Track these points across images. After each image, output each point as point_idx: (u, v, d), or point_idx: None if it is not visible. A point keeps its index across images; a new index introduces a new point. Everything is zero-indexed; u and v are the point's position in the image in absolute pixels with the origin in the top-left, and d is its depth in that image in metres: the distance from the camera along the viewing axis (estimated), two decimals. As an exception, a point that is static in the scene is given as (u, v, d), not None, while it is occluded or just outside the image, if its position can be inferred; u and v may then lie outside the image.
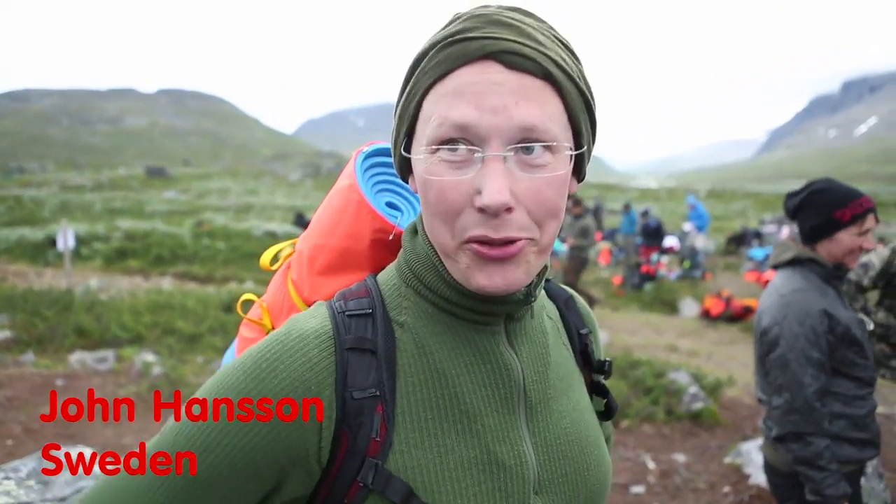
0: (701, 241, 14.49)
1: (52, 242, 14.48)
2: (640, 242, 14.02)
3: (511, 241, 0.69)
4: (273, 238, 17.52)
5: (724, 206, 37.61)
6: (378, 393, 0.73)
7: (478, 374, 0.77)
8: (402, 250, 0.84)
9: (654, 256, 14.10)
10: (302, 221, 18.92)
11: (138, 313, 7.89)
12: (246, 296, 1.10)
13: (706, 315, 9.91)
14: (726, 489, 3.93)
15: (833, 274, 2.16)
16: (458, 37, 0.69)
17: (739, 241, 17.99)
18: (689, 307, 10.88)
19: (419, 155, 0.71)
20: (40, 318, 7.45)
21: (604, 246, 17.42)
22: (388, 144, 1.03)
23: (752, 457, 4.17)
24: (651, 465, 4.24)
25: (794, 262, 2.21)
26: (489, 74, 0.67)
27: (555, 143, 0.68)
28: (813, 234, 2.17)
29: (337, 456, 0.72)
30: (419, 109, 0.72)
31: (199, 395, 0.73)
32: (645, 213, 15.86)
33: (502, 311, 0.77)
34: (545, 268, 0.80)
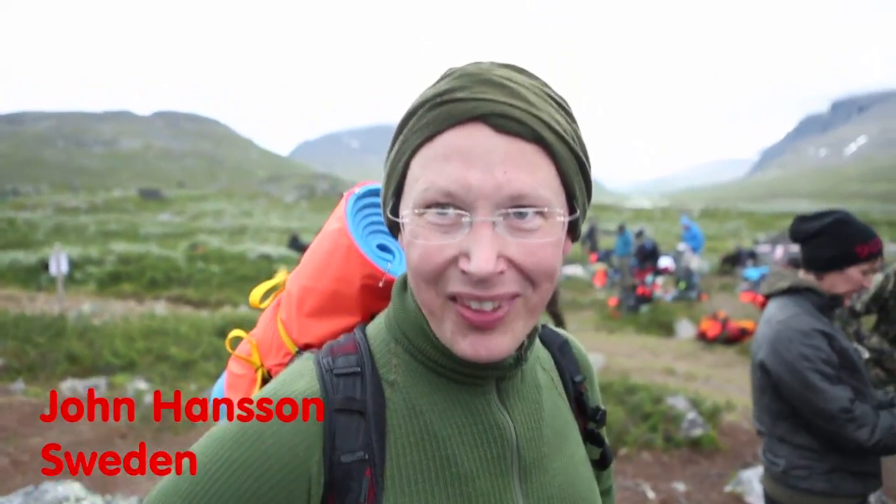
0: (696, 262, 14.52)
1: (44, 266, 14.39)
2: (634, 264, 14.03)
3: (498, 305, 0.67)
4: (268, 261, 17.47)
5: (717, 225, 37.79)
6: (367, 456, 0.71)
7: (469, 436, 0.75)
8: (391, 305, 0.82)
9: (650, 278, 14.11)
10: (297, 244, 18.89)
11: (131, 339, 7.81)
12: (235, 332, 1.08)
13: (703, 337, 9.88)
14: (727, 519, 3.87)
15: (828, 304, 2.14)
16: (446, 97, 0.67)
17: (734, 261, 18.04)
18: (686, 329, 10.85)
19: (406, 216, 0.69)
20: (31, 345, 7.37)
21: (599, 268, 17.43)
22: (378, 185, 1.01)
23: (753, 485, 4.12)
24: (651, 494, 4.18)
25: (789, 291, 2.18)
26: (477, 138, 0.65)
27: (546, 209, 0.66)
28: (826, 264, 2.12)
29: None
30: (407, 169, 0.71)
31: (185, 463, 0.71)
32: (640, 234, 15.90)
33: (492, 374, 0.76)
34: (535, 329, 0.78)
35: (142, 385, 6.13)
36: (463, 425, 0.75)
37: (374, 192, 1.01)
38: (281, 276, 1.09)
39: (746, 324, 9.91)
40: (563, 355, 0.94)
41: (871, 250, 2.07)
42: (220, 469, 0.68)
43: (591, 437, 0.92)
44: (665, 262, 16.41)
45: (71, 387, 6.12)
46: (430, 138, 0.67)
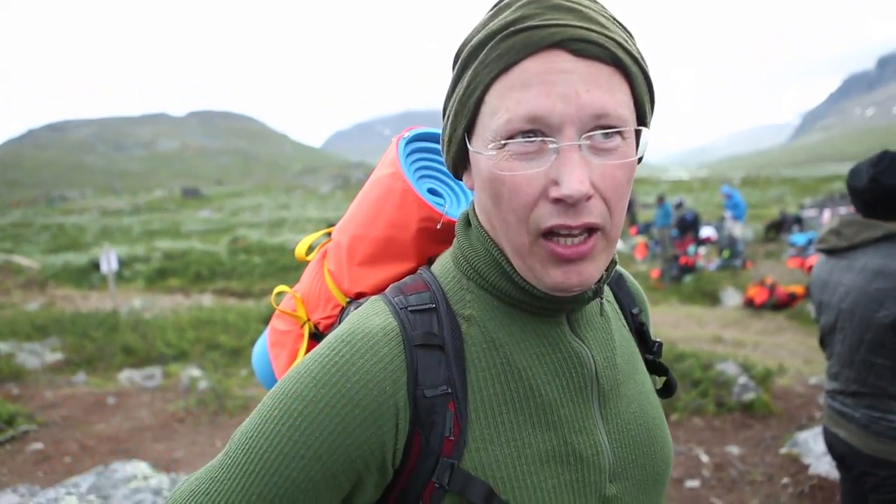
0: (739, 230, 14.16)
1: (95, 266, 14.91)
2: (675, 235, 13.76)
3: (587, 234, 0.67)
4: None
5: (760, 193, 36.76)
6: (449, 390, 0.71)
7: (550, 364, 0.75)
8: (456, 242, 0.81)
9: (692, 248, 13.83)
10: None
11: (181, 330, 8.05)
12: (279, 288, 1.08)
13: (750, 304, 9.66)
14: (785, 480, 3.81)
15: None
16: (519, 26, 0.66)
17: (779, 227, 17.54)
18: (732, 297, 10.63)
19: (486, 151, 0.68)
20: (89, 340, 7.67)
21: (639, 240, 17.18)
22: (427, 129, 1.00)
23: (811, 446, 4.04)
24: (704, 458, 4.13)
25: (885, 239, 1.99)
26: (557, 63, 0.64)
27: (626, 129, 0.67)
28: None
29: (410, 457, 0.70)
30: (481, 103, 0.70)
31: (265, 406, 0.70)
32: (679, 205, 15.59)
33: (567, 307, 0.76)
34: (613, 261, 0.78)
35: (195, 372, 6.32)
36: (542, 355, 0.75)
37: (422, 137, 1.00)
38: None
39: (795, 288, 9.65)
40: (620, 288, 0.95)
41: None
42: (305, 409, 0.67)
43: (654, 367, 0.92)
44: (707, 231, 16.06)
45: (129, 377, 6.36)
46: (506, 69, 0.66)
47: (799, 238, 14.44)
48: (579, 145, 0.64)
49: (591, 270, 0.69)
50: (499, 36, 0.66)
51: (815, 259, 10.50)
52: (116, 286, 12.09)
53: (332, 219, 26.19)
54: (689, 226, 14.10)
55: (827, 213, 14.33)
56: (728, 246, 13.89)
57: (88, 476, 3.09)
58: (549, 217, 0.66)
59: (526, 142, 0.65)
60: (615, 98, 0.66)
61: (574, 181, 0.63)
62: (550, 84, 0.64)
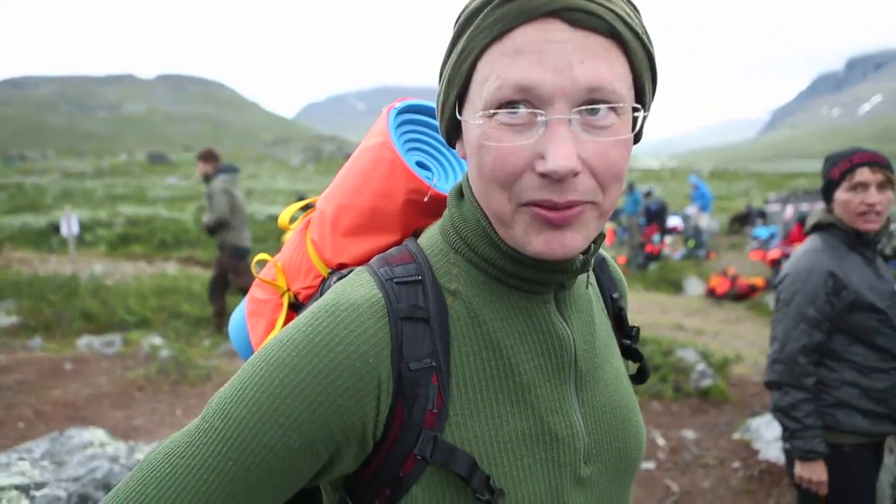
0: (705, 221, 14.44)
1: (55, 229, 14.48)
2: (643, 223, 13.96)
3: (573, 205, 0.65)
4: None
5: (727, 185, 37.48)
6: (433, 363, 0.70)
7: (531, 344, 0.75)
8: (446, 214, 0.80)
9: (657, 236, 14.06)
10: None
11: (144, 297, 7.90)
12: (259, 256, 1.06)
13: (712, 294, 9.89)
14: (736, 464, 3.94)
15: (857, 240, 2.14)
16: None
17: (744, 220, 17.94)
18: (695, 286, 10.86)
19: (474, 119, 0.67)
20: (46, 304, 7.46)
21: (608, 226, 17.38)
22: (419, 101, 0.98)
23: (761, 433, 4.17)
24: (661, 441, 4.24)
25: (817, 228, 2.24)
26: (551, 32, 0.62)
27: (621, 105, 0.64)
28: (824, 198, 2.23)
29: (391, 429, 0.69)
30: (473, 70, 0.68)
31: (246, 373, 0.69)
32: (648, 194, 15.79)
33: (557, 280, 0.74)
34: (601, 235, 0.77)
35: (156, 341, 6.22)
36: (524, 334, 0.75)
37: (413, 109, 0.98)
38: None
39: (756, 280, 9.90)
40: (602, 272, 0.94)
41: (842, 169, 2.11)
42: (287, 377, 0.66)
43: (630, 353, 0.92)
44: (674, 221, 16.33)
45: (87, 343, 6.22)
46: (500, 36, 0.64)
47: (762, 231, 14.80)
48: (569, 119, 0.63)
49: (576, 240, 0.67)
50: (495, 2, 0.65)
51: (776, 252, 10.78)
52: (77, 250, 11.78)
53: (301, 191, 25.88)
54: (653, 215, 14.32)
55: (790, 209, 14.69)
56: (693, 236, 14.16)
57: (42, 441, 3.03)
58: (533, 190, 0.65)
59: (513, 112, 0.64)
60: (612, 71, 0.63)
61: (560, 156, 0.61)
62: (543, 53, 0.62)
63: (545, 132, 0.63)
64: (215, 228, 6.37)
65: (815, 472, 2.10)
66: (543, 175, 0.63)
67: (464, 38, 0.68)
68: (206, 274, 10.32)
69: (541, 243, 0.67)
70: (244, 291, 6.51)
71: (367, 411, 0.68)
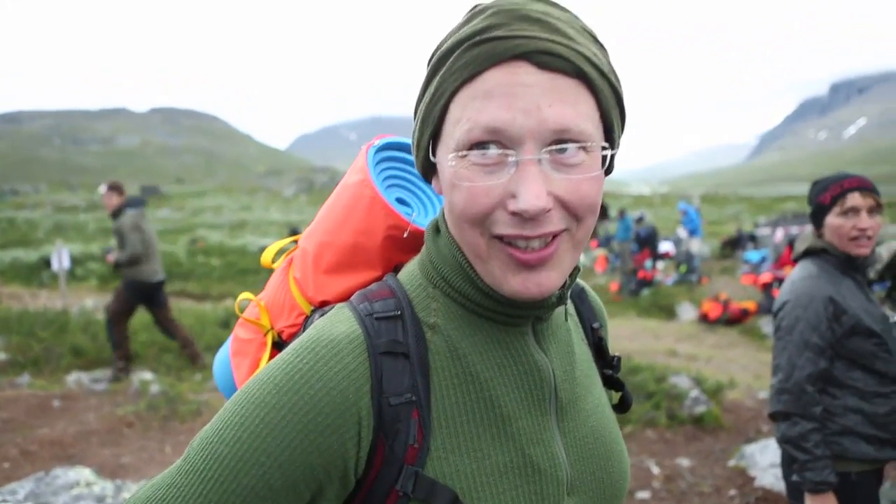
0: (696, 246, 14.52)
1: (46, 263, 14.40)
2: (635, 249, 14.03)
3: (547, 241, 0.67)
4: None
5: (718, 210, 37.77)
6: (413, 398, 0.70)
7: (511, 377, 0.75)
8: (424, 250, 0.81)
9: (649, 262, 14.11)
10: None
11: (134, 332, 7.82)
12: (243, 295, 1.06)
13: (704, 319, 9.90)
14: (732, 492, 3.90)
15: (849, 265, 2.16)
16: (485, 35, 0.65)
17: (734, 244, 18.04)
18: (687, 311, 10.87)
19: (447, 159, 0.68)
20: (36, 340, 7.38)
21: (600, 253, 17.43)
22: (397, 138, 1.00)
23: (757, 459, 4.15)
24: (655, 470, 4.21)
25: (809, 253, 2.24)
26: (520, 76, 0.64)
27: (589, 144, 0.66)
28: (814, 223, 2.23)
29: (373, 465, 0.69)
30: (446, 111, 0.69)
31: (227, 412, 0.69)
32: (640, 220, 15.89)
33: (533, 314, 0.75)
34: (577, 268, 0.78)
35: (147, 376, 6.16)
36: (504, 366, 0.75)
37: (392, 146, 0.99)
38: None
39: (748, 304, 9.93)
40: (582, 302, 0.95)
41: (833, 194, 2.12)
42: (267, 416, 0.66)
43: (611, 382, 0.92)
44: (665, 246, 16.41)
45: (76, 379, 6.16)
46: (470, 79, 0.66)
47: (753, 255, 14.87)
48: (539, 159, 0.64)
49: (553, 279, 0.68)
50: (465, 44, 0.66)
51: (767, 276, 10.82)
52: (68, 285, 11.71)
53: (294, 222, 25.90)
54: (644, 241, 14.39)
55: (780, 232, 14.79)
56: (685, 261, 14.22)
57: (27, 482, 2.98)
58: (504, 225, 0.66)
59: (485, 153, 0.65)
60: (578, 111, 0.65)
61: (531, 196, 0.63)
62: (512, 97, 0.63)
63: (516, 172, 0.64)
64: (125, 265, 6.29)
65: None
66: (514, 213, 0.65)
67: (436, 80, 0.70)
68: (198, 307, 10.27)
69: (517, 283, 0.68)
70: (158, 322, 6.58)
71: (349, 448, 0.68)
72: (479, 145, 0.65)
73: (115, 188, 6.55)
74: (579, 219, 0.68)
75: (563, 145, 0.65)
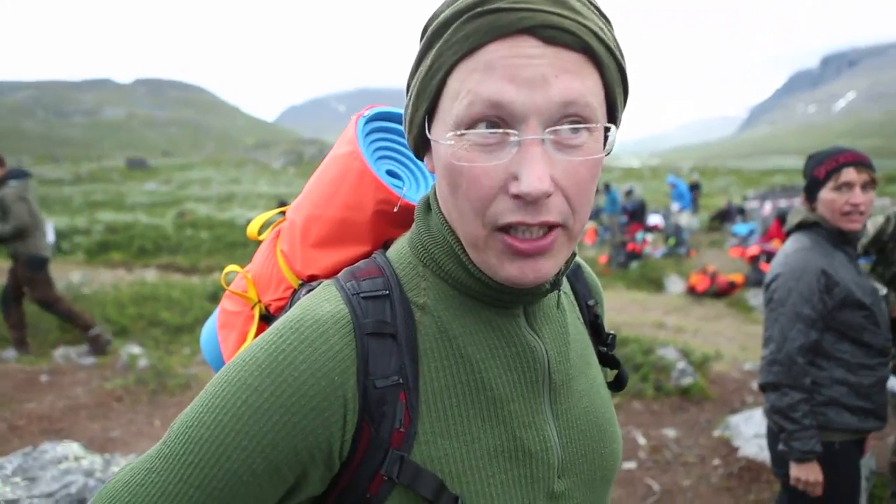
0: (685, 219, 14.57)
1: (31, 237, 14.25)
2: (624, 221, 14.06)
3: (546, 229, 0.65)
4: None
5: (707, 182, 37.84)
6: (401, 380, 0.68)
7: (503, 358, 0.74)
8: (414, 227, 0.79)
9: (639, 235, 14.16)
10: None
11: (122, 305, 7.80)
12: (229, 267, 1.05)
13: (692, 291, 9.98)
14: (716, 462, 3.97)
15: (841, 238, 2.17)
16: (487, 6, 0.62)
17: (723, 217, 18.12)
18: (675, 284, 10.95)
19: (445, 137, 0.65)
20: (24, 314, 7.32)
21: (589, 226, 17.48)
22: (388, 108, 0.97)
23: (741, 430, 4.21)
24: (641, 440, 4.27)
25: (801, 226, 2.25)
26: (524, 49, 0.61)
27: (592, 125, 0.64)
28: (807, 197, 2.23)
29: (358, 449, 0.68)
30: (443, 86, 0.66)
31: (207, 394, 0.67)
32: (629, 193, 15.90)
33: (523, 300, 0.74)
34: (572, 254, 0.76)
35: (135, 350, 6.14)
36: (496, 348, 0.74)
37: (383, 116, 0.96)
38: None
39: (735, 277, 10.01)
40: (577, 279, 0.93)
41: (828, 168, 2.13)
42: (249, 398, 0.64)
43: (607, 360, 0.91)
44: (654, 219, 16.46)
45: (64, 354, 6.12)
46: (471, 51, 0.63)
47: (741, 228, 14.97)
48: (542, 139, 0.62)
49: (549, 266, 0.67)
50: (465, 16, 0.63)
51: (755, 249, 10.90)
52: (54, 259, 11.59)
53: (283, 195, 25.72)
54: (633, 213, 14.42)
55: (768, 205, 14.87)
56: (674, 234, 14.28)
57: (14, 457, 2.96)
58: (507, 213, 0.64)
59: (486, 132, 0.62)
60: (584, 85, 0.63)
61: (534, 178, 0.61)
62: (516, 68, 0.61)
63: (518, 152, 0.62)
64: (10, 238, 6.00)
65: (811, 473, 2.09)
66: (516, 196, 0.63)
67: (433, 52, 0.66)
68: (186, 280, 10.22)
69: (514, 270, 0.67)
70: (41, 303, 6.12)
71: (334, 431, 0.66)
72: (481, 122, 0.62)
73: None
74: (575, 210, 0.66)
75: (570, 126, 0.62)
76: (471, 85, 0.62)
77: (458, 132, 0.63)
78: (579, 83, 0.62)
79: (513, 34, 0.61)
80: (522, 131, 0.62)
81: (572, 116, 0.63)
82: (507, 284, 0.69)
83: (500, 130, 0.62)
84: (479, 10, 0.62)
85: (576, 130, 0.63)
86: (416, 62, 0.70)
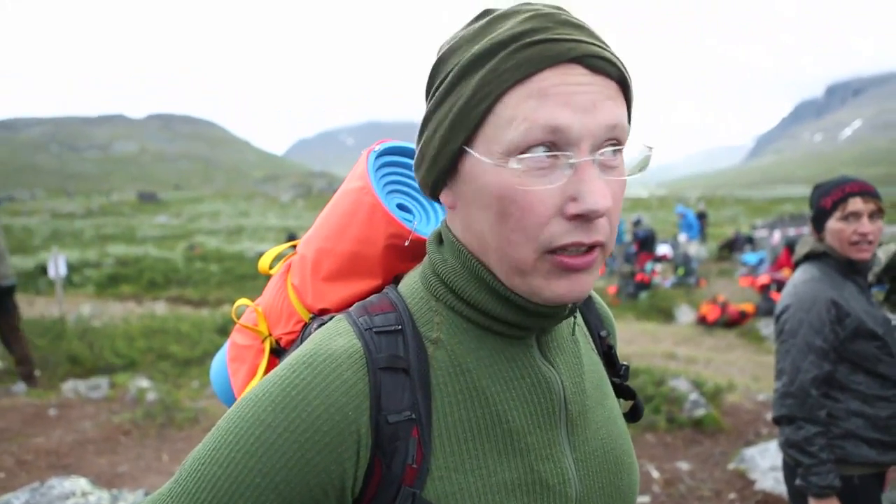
0: (694, 248, 14.54)
1: (42, 270, 14.36)
2: (632, 252, 14.03)
3: (592, 248, 0.67)
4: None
5: (715, 212, 37.80)
6: (413, 416, 0.68)
7: (518, 390, 0.73)
8: (427, 261, 0.78)
9: (649, 265, 14.12)
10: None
11: (132, 339, 7.81)
12: (240, 300, 1.05)
13: (702, 321, 9.89)
14: (732, 496, 3.88)
15: (850, 269, 2.15)
16: (535, 37, 0.64)
17: (732, 246, 18.05)
18: (685, 314, 10.86)
19: (489, 165, 0.66)
20: (32, 347, 7.35)
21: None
22: (398, 143, 0.97)
23: (757, 462, 4.13)
24: (655, 474, 4.19)
25: (810, 257, 2.23)
26: (574, 76, 0.64)
27: (624, 147, 0.68)
28: (815, 227, 2.22)
29: (370, 485, 0.67)
30: (488, 113, 0.66)
31: (220, 431, 0.67)
32: (638, 223, 15.90)
33: (541, 324, 0.74)
34: None
35: (144, 383, 6.13)
36: (511, 380, 0.73)
37: (393, 151, 0.97)
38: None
39: (746, 306, 9.92)
40: (589, 310, 0.93)
41: (835, 198, 2.11)
42: (263, 435, 0.64)
43: (622, 391, 0.91)
44: (663, 249, 16.42)
45: (73, 387, 6.12)
46: (522, 79, 0.64)
47: (750, 257, 14.89)
48: (593, 160, 0.64)
49: (590, 282, 0.69)
50: (512, 46, 0.64)
51: (765, 278, 10.83)
52: (65, 292, 11.68)
53: (292, 227, 25.89)
54: (643, 243, 14.41)
55: (777, 234, 14.82)
56: (683, 264, 14.22)
57: (21, 493, 2.95)
58: (563, 235, 0.65)
59: (543, 155, 0.64)
60: (622, 111, 0.67)
61: (598, 196, 0.63)
62: (570, 95, 0.63)
63: (574, 174, 0.64)
64: None
65: None
66: (575, 217, 0.64)
67: (474, 81, 0.66)
68: (196, 313, 10.24)
69: (562, 287, 0.67)
70: (1, 331, 5.99)
71: (347, 467, 0.66)
72: (536, 146, 0.64)
73: None
74: (612, 227, 0.69)
75: (613, 147, 0.66)
76: (526, 112, 0.63)
77: (514, 157, 0.64)
78: (620, 110, 0.67)
79: (563, 63, 0.64)
80: (576, 154, 0.64)
81: (613, 140, 0.66)
82: (547, 303, 0.69)
83: (558, 152, 0.64)
84: (528, 40, 0.64)
85: (615, 153, 0.67)
86: (441, 95, 0.69)
